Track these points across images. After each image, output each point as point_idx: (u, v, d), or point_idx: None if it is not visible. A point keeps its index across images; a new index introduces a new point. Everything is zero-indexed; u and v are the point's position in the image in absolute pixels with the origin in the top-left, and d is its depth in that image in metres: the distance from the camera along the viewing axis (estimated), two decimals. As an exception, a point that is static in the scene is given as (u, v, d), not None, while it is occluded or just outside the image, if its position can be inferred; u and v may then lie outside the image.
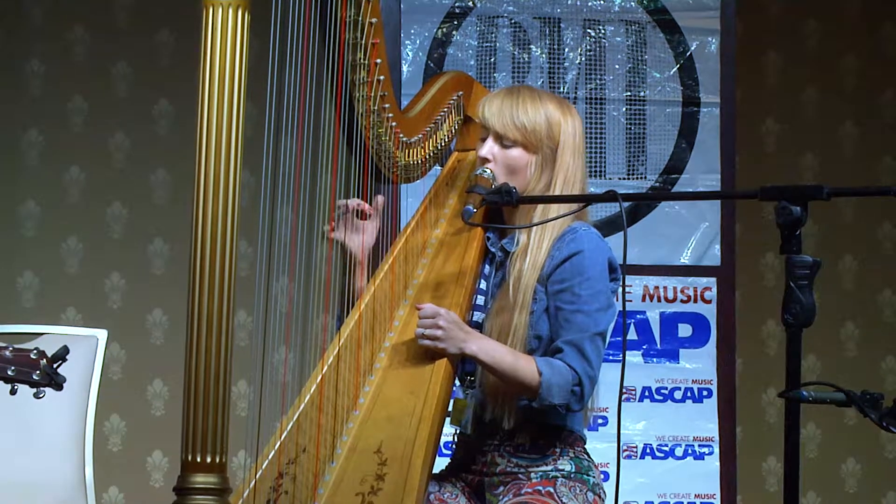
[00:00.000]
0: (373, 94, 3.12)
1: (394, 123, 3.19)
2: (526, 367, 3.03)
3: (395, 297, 3.21)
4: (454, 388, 3.14)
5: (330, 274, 3.11)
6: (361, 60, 3.09)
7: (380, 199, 3.13)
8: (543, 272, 3.11)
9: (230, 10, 2.47)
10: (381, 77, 3.12)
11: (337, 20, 3.00)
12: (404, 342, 3.12)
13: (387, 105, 3.16)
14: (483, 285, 3.21)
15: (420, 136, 3.29)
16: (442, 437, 3.05)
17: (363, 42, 3.07)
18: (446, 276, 3.18)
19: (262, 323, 2.88)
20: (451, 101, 3.38)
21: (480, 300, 3.19)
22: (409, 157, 3.26)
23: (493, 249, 3.23)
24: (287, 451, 2.96)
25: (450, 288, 3.13)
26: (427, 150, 3.30)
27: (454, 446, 3.23)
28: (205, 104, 2.49)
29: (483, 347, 3.05)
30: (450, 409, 3.11)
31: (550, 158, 3.16)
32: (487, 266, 3.23)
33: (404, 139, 3.23)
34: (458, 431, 3.19)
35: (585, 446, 3.16)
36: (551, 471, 3.09)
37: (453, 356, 3.05)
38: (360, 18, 3.05)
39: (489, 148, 3.18)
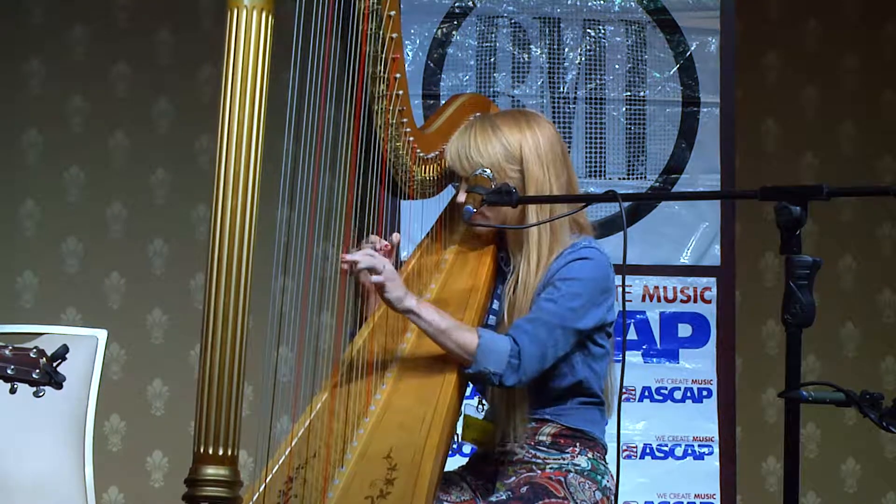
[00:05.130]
0: (391, 108, 3.14)
1: (411, 138, 3.20)
2: (465, 330, 3.01)
3: None
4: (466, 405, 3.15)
5: (345, 284, 3.12)
6: (381, 74, 3.10)
7: (395, 236, 3.12)
8: (547, 276, 3.11)
9: (254, 13, 2.49)
10: (400, 92, 3.14)
11: (359, 32, 3.02)
12: (416, 352, 3.13)
13: (405, 119, 3.17)
14: (496, 305, 3.21)
15: (437, 153, 3.30)
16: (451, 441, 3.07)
17: (383, 56, 3.09)
18: (458, 293, 3.18)
19: (274, 322, 2.88)
20: (468, 122, 3.40)
21: (493, 320, 3.19)
22: (425, 172, 3.27)
23: (506, 269, 3.24)
24: (298, 455, 2.97)
25: (461, 304, 3.13)
26: (443, 168, 3.31)
27: (457, 445, 3.24)
28: (226, 105, 2.51)
29: (421, 302, 3.02)
30: (461, 423, 3.13)
31: (521, 178, 3.16)
32: (501, 285, 3.23)
33: (421, 154, 3.24)
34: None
35: (605, 456, 3.17)
36: (567, 464, 3.10)
37: (390, 301, 2.99)
38: (382, 32, 3.07)
39: (464, 195, 3.18)
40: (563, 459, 3.11)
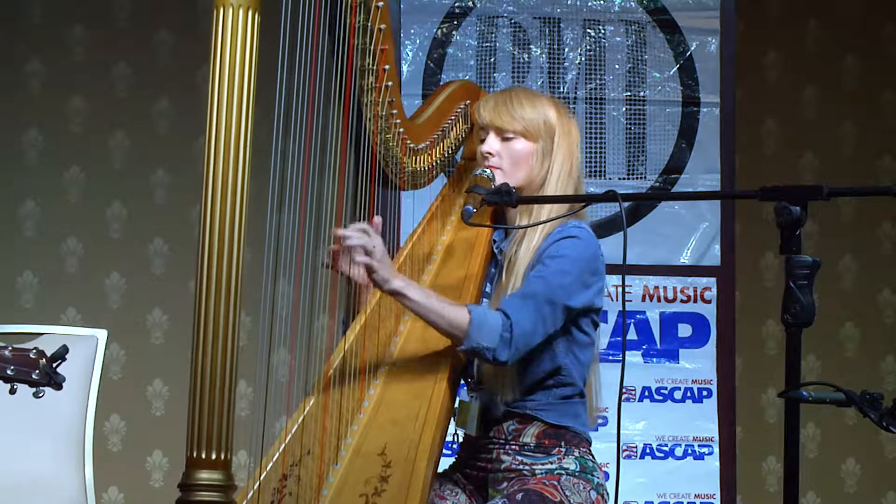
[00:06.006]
0: (381, 100, 3.13)
1: (401, 129, 3.20)
2: (455, 307, 3.01)
3: None
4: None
5: (337, 279, 3.11)
6: (370, 66, 3.10)
7: (377, 219, 3.10)
8: (536, 256, 3.11)
9: (240, 12, 2.49)
10: (390, 83, 3.14)
11: (346, 25, 3.01)
12: (409, 347, 3.13)
13: (394, 111, 3.16)
14: (488, 287, 3.22)
15: (427, 142, 3.30)
16: (446, 437, 3.06)
17: (372, 48, 3.08)
18: (452, 282, 3.18)
19: (266, 323, 2.88)
20: (459, 110, 3.39)
21: (485, 303, 3.19)
22: (416, 163, 3.27)
23: (496, 252, 3.24)
24: (292, 453, 2.96)
25: (455, 294, 3.13)
26: (434, 157, 3.31)
27: (457, 446, 3.24)
28: (214, 104, 2.51)
29: (409, 283, 3.01)
30: (455, 408, 3.12)
31: (549, 148, 3.19)
32: (493, 269, 3.24)
33: (411, 145, 3.24)
34: (463, 433, 3.20)
35: (590, 448, 3.17)
36: (556, 469, 3.10)
37: (378, 283, 2.98)
38: (370, 24, 3.07)
39: (491, 143, 3.19)
40: (551, 464, 3.11)
